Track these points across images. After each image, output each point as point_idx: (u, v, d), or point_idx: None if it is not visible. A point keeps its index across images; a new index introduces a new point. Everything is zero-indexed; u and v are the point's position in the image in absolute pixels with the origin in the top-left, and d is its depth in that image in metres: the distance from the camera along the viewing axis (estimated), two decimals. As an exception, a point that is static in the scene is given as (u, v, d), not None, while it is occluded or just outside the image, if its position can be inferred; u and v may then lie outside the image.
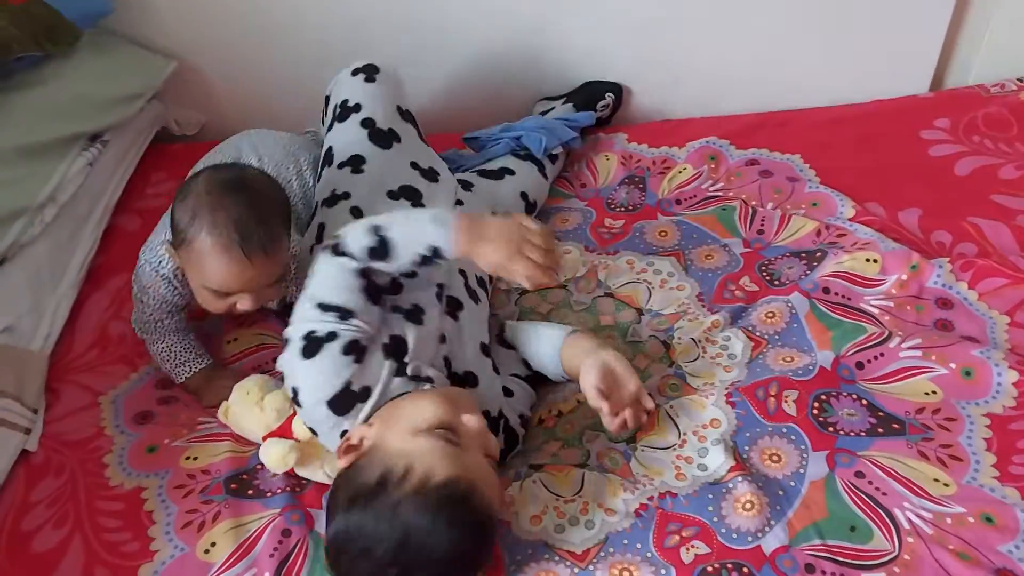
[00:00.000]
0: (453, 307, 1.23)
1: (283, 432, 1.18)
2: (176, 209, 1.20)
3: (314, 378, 1.08)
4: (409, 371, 1.12)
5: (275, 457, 1.15)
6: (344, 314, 1.08)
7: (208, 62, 1.88)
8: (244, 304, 1.21)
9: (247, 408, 1.22)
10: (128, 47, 1.80)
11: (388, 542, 0.93)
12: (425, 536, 0.92)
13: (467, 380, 1.19)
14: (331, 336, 1.07)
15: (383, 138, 1.43)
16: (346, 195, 1.36)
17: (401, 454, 0.98)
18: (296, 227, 1.44)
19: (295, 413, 1.17)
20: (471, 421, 1.03)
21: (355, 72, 1.49)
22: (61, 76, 1.65)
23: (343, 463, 1.04)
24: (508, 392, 1.23)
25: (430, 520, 0.92)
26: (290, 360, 1.09)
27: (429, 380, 1.12)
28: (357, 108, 1.45)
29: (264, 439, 1.19)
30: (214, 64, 1.89)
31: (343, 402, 1.08)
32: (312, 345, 1.07)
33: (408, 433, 1.01)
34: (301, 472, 1.18)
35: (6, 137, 1.50)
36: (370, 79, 1.47)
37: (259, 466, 1.20)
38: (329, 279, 1.10)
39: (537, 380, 1.29)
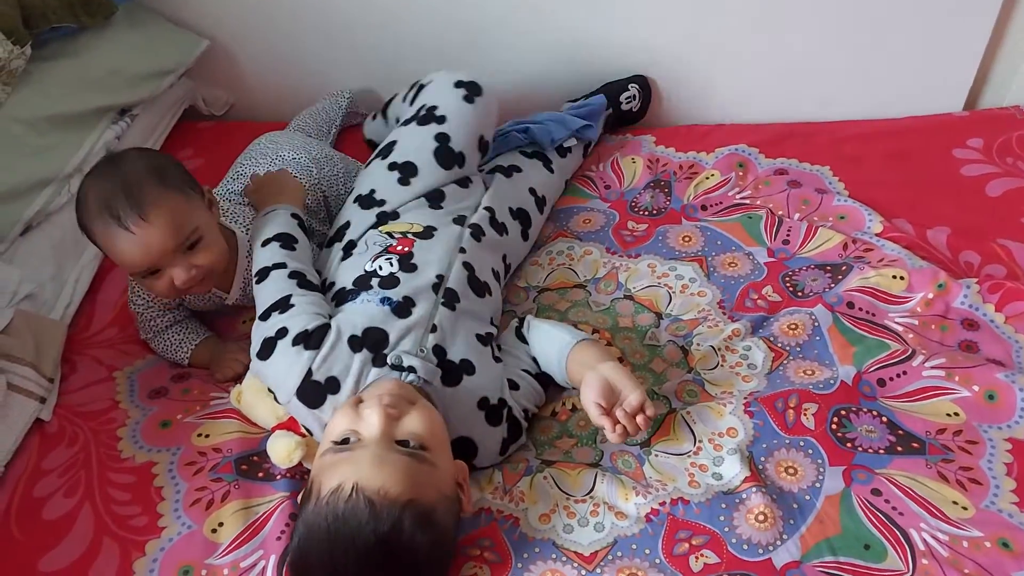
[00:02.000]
0: (450, 298, 1.23)
1: (292, 424, 1.17)
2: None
3: (275, 376, 1.14)
4: (389, 360, 1.13)
5: (281, 453, 1.14)
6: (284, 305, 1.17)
7: (239, 43, 1.89)
8: (177, 277, 1.21)
9: (259, 397, 1.22)
10: (161, 23, 1.81)
11: (303, 555, 0.95)
12: (328, 552, 0.91)
13: (462, 368, 1.17)
14: (281, 333, 1.13)
15: (448, 159, 1.41)
16: (381, 202, 1.37)
17: (312, 474, 1.01)
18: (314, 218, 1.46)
19: None
20: (371, 420, 1.00)
21: (458, 84, 1.46)
22: (95, 48, 1.66)
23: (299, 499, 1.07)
24: (514, 385, 1.22)
25: (325, 532, 0.92)
26: (254, 368, 1.18)
27: (412, 370, 1.12)
28: (441, 120, 1.43)
29: (273, 430, 1.18)
30: (245, 45, 1.89)
31: (310, 394, 1.11)
32: (264, 347, 1.14)
33: (318, 452, 1.04)
34: (309, 466, 1.17)
35: (38, 106, 1.51)
36: (469, 99, 1.44)
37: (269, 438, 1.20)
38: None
39: (547, 378, 1.28)
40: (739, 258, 1.44)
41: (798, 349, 1.26)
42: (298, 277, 1.23)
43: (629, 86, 1.75)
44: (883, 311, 1.29)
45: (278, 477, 1.17)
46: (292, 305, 1.18)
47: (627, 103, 1.75)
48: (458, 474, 1.06)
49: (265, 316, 1.18)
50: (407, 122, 1.46)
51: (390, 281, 1.22)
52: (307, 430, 1.15)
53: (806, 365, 1.24)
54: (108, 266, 1.51)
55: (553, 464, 1.16)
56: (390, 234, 1.31)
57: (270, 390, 1.17)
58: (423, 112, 1.45)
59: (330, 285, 1.27)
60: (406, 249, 1.27)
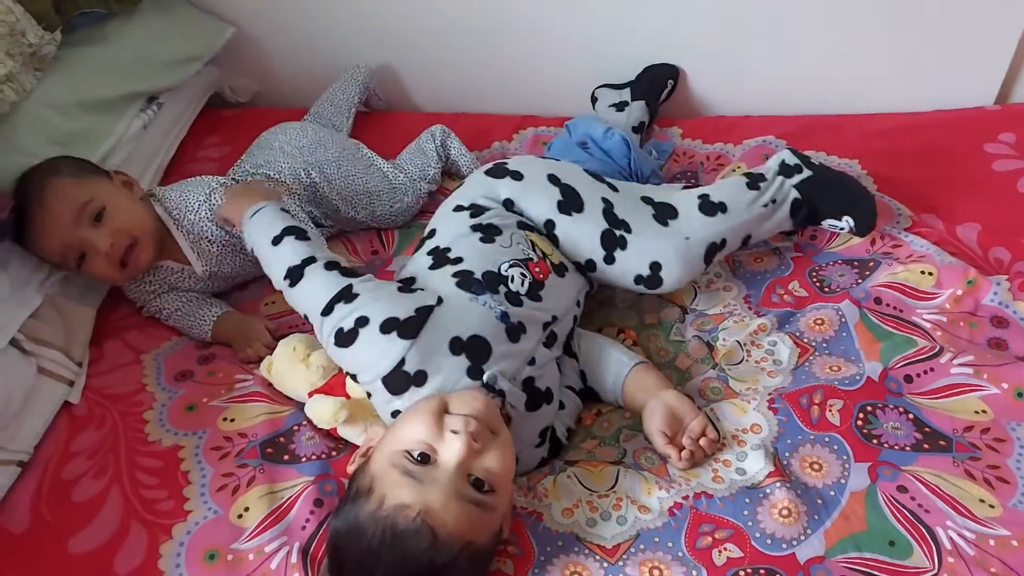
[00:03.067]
0: (551, 340, 1.21)
1: (328, 390, 1.18)
2: None
3: (361, 362, 1.11)
4: (484, 379, 1.09)
5: (327, 413, 1.15)
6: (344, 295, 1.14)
7: (265, 31, 1.89)
8: (99, 244, 1.29)
9: (292, 365, 1.23)
10: (189, 9, 1.82)
11: (347, 551, 0.95)
12: (373, 555, 0.92)
13: (545, 396, 1.16)
14: (361, 321, 1.10)
15: (573, 205, 1.28)
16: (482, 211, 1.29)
17: (374, 471, 0.98)
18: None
19: (343, 372, 1.18)
20: (452, 447, 0.97)
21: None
22: (123, 35, 1.66)
23: (349, 468, 1.06)
24: (560, 405, 1.21)
25: (377, 540, 0.91)
26: (332, 355, 1.15)
27: (501, 393, 1.10)
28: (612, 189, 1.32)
29: (310, 395, 1.20)
30: (271, 34, 1.90)
31: (397, 382, 1.09)
32: (343, 337, 1.11)
33: (387, 449, 1.00)
34: (343, 432, 1.18)
35: (68, 91, 1.52)
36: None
37: (296, 427, 1.21)
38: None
39: (588, 394, 1.27)
40: (765, 253, 1.43)
41: (824, 345, 1.25)
42: (337, 266, 1.19)
43: (668, 82, 1.73)
44: (911, 307, 1.28)
45: (303, 460, 1.18)
46: (357, 294, 1.13)
47: (665, 98, 1.74)
48: (508, 506, 1.05)
49: (328, 310, 1.13)
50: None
51: (514, 299, 1.17)
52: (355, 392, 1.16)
53: (832, 361, 1.23)
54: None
55: (576, 463, 1.16)
56: (534, 246, 1.24)
57: (352, 375, 1.15)
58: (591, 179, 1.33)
59: (445, 250, 1.22)
60: (541, 277, 1.21)
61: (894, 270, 1.32)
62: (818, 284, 1.36)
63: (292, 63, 1.92)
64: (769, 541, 1.03)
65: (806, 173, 1.38)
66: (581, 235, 1.26)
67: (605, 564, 1.04)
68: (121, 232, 1.30)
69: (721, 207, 1.29)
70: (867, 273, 1.34)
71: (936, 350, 1.20)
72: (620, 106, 1.70)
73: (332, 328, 1.12)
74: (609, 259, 1.25)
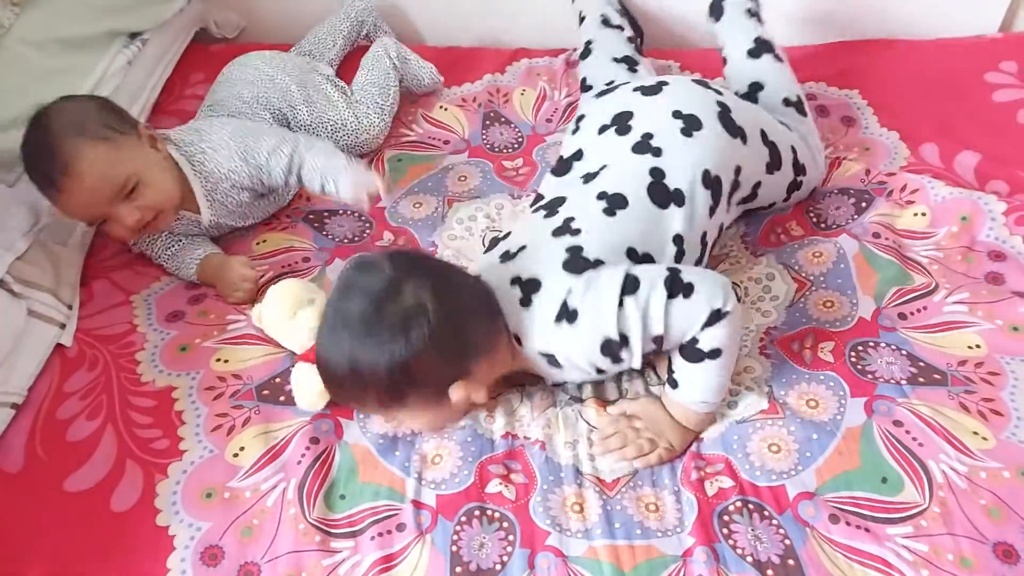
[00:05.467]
0: None
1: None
2: None
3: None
4: None
5: (311, 396, 1.14)
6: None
7: (251, -37, 1.84)
8: (126, 219, 1.25)
9: (279, 323, 1.22)
10: (171, -58, 1.76)
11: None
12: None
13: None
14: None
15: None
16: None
17: None
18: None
19: None
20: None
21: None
22: (103, -32, 1.61)
23: None
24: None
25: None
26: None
27: None
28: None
29: (297, 360, 1.18)
30: (256, -34, 1.84)
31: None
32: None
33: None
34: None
35: (48, 28, 1.48)
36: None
37: (291, 368, 1.20)
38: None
39: None
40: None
41: (822, 278, 1.25)
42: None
43: None
44: (907, 246, 1.27)
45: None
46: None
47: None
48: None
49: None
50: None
51: None
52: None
53: (827, 296, 1.22)
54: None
55: (583, 401, 1.16)
56: None
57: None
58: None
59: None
60: None
61: (889, 210, 1.31)
62: (815, 220, 1.34)
63: (278, -2, 1.87)
64: (759, 473, 1.04)
65: None
66: None
67: (604, 496, 1.05)
68: (150, 208, 1.27)
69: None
70: (863, 205, 1.33)
71: (931, 287, 1.20)
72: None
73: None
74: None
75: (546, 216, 1.15)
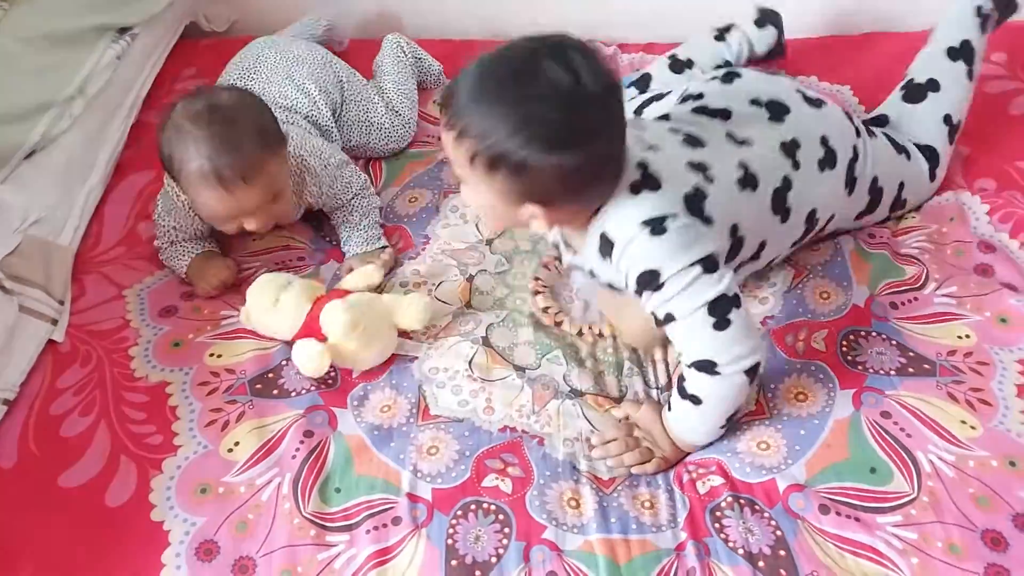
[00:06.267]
0: None
1: (311, 331, 1.18)
2: (159, 142, 1.21)
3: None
4: None
5: (313, 362, 1.15)
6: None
7: (240, -43, 1.83)
8: (250, 225, 1.25)
9: (264, 311, 1.23)
10: (160, -64, 1.75)
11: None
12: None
13: None
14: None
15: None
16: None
17: None
18: (322, 134, 1.42)
19: (317, 309, 1.18)
20: None
21: None
22: (93, -37, 1.60)
23: None
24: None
25: None
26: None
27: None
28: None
29: (294, 340, 1.19)
30: (246, -41, 1.83)
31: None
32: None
33: None
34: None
35: (37, 23, 1.48)
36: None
37: (284, 362, 1.21)
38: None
39: None
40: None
41: (819, 268, 1.26)
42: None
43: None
44: (900, 243, 1.29)
45: (292, 394, 1.18)
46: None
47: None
48: None
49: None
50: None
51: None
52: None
53: (824, 286, 1.24)
54: (113, 184, 1.50)
55: (583, 395, 1.16)
56: None
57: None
58: None
59: None
60: None
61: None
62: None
63: (268, -9, 1.87)
64: (748, 469, 1.05)
65: None
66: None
67: (600, 493, 1.06)
68: (276, 218, 1.29)
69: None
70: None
71: (923, 279, 1.21)
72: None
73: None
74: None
75: (685, 143, 1.10)
